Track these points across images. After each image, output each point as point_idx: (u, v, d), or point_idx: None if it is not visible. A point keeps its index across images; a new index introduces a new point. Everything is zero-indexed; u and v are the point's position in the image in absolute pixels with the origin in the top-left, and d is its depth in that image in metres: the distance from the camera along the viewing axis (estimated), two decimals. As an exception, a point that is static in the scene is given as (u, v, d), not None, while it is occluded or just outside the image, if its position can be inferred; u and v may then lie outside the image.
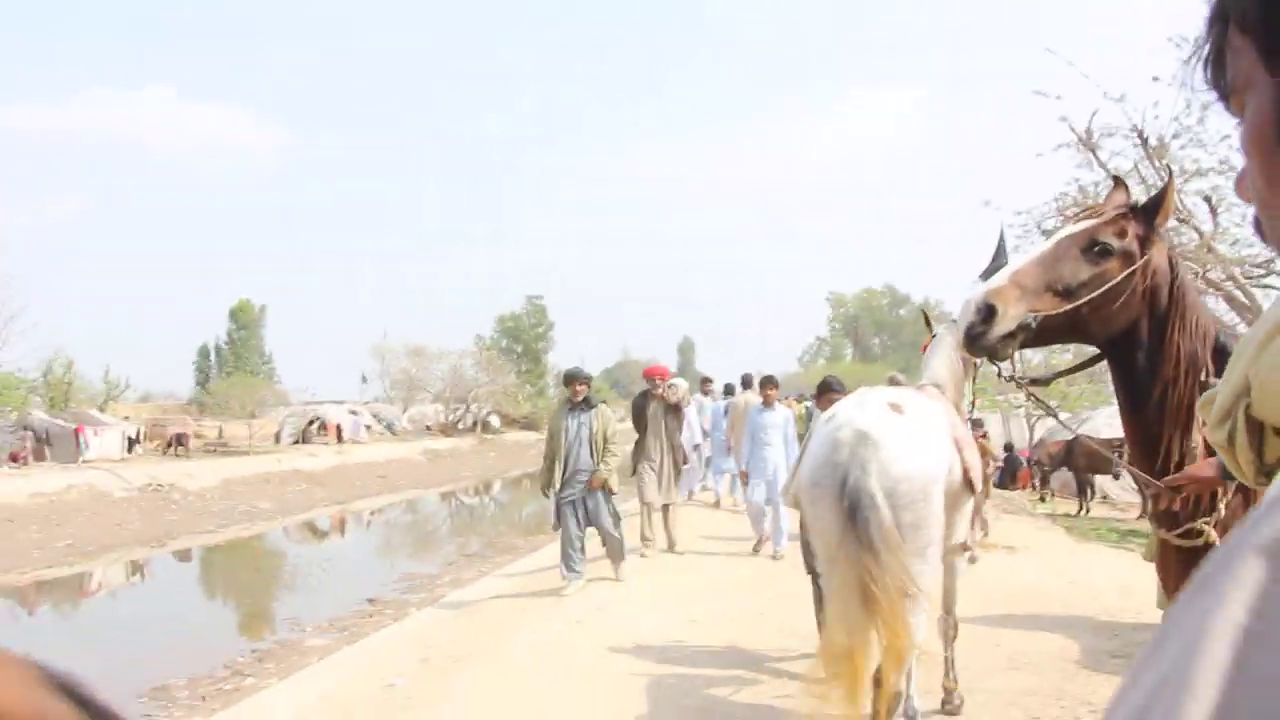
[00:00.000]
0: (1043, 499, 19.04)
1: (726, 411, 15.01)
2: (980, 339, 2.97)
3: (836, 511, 4.45)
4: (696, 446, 16.24)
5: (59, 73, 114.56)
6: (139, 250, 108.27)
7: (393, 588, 14.52)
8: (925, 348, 6.07)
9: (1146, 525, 13.74)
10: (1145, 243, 3.13)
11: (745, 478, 11.65)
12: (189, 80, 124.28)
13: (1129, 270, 3.04)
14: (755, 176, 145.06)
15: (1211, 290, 13.41)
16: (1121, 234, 3.07)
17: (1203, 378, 2.93)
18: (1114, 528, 14.91)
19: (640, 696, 6.33)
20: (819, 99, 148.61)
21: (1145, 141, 13.46)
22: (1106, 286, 3.04)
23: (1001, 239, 19.49)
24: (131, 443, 31.46)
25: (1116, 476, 16.42)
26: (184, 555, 20.04)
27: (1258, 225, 0.92)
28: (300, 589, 15.98)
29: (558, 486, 9.80)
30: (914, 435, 4.72)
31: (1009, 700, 5.98)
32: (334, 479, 31.06)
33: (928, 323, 6.40)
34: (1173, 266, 3.17)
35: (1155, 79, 13.47)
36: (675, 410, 11.85)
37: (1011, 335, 3.00)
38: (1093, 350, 3.37)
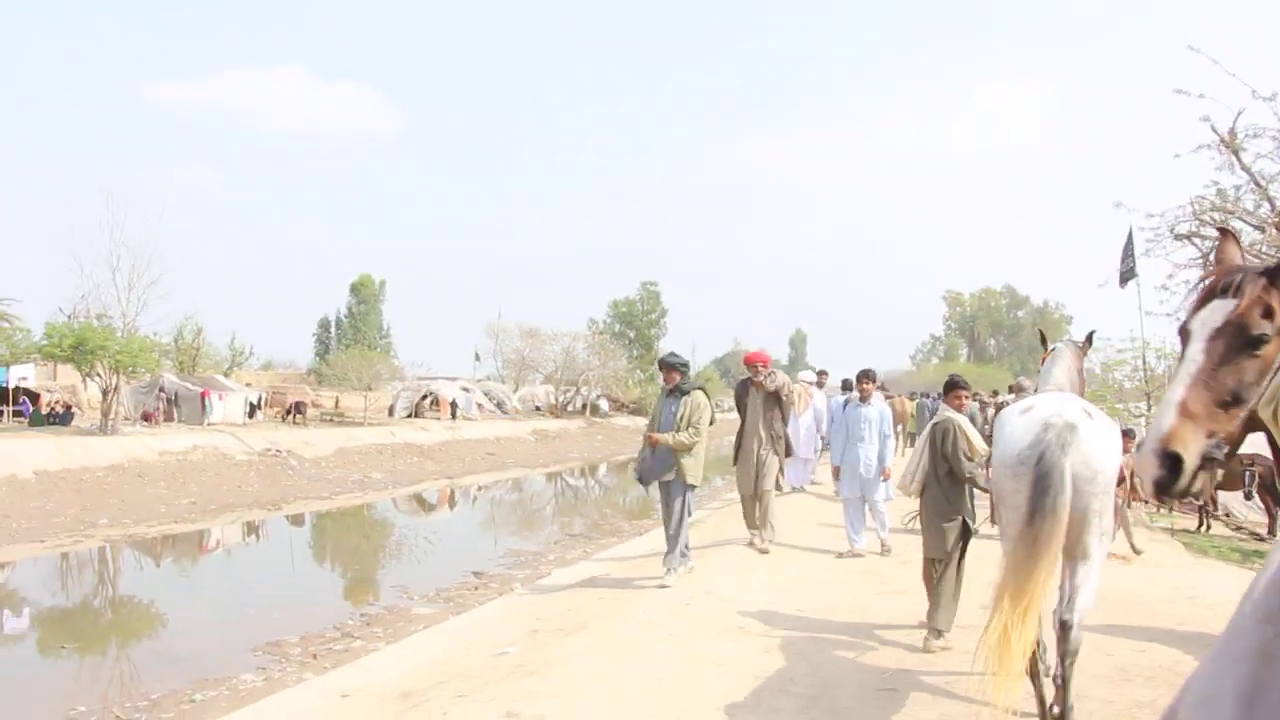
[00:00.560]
0: (1159, 511, 18.42)
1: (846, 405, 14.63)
2: (1170, 489, 2.73)
3: (1033, 489, 5.10)
4: (822, 437, 16.28)
5: (196, 51, 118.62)
6: (267, 224, 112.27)
7: (498, 563, 14.80)
8: (1044, 359, 6.46)
9: (1265, 546, 13.25)
10: None
11: (838, 473, 11.43)
12: (317, 59, 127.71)
13: None
14: (875, 172, 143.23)
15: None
16: (1270, 314, 2.85)
17: None
18: (1236, 547, 14.36)
19: (747, 681, 6.33)
20: (944, 95, 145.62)
21: (1294, 144, 12.92)
22: (1273, 374, 2.86)
23: (1130, 241, 18.82)
24: (253, 408, 32.56)
25: (1248, 496, 15.77)
26: (298, 519, 20.74)
27: None
28: (407, 559, 16.39)
29: (640, 470, 9.65)
30: (1106, 435, 5.43)
31: (1119, 710, 5.82)
32: (444, 453, 31.70)
33: (1043, 341, 6.81)
34: None
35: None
36: (775, 398, 11.23)
37: (1201, 469, 2.77)
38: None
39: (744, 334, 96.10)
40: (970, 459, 7.48)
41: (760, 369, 11.25)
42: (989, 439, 7.37)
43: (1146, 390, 23.69)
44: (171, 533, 17.97)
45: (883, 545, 11.23)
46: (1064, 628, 5.24)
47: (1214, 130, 13.52)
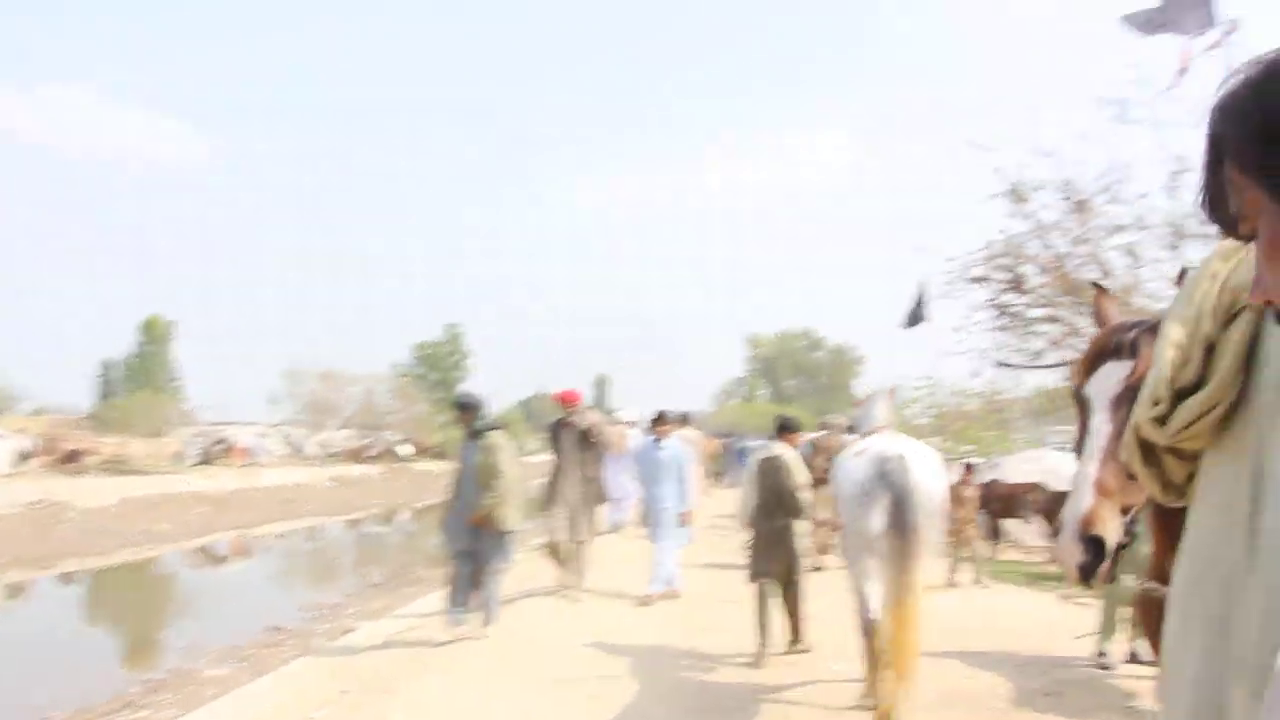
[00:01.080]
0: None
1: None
2: (1094, 573, 2.64)
3: (889, 515, 5.88)
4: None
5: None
6: (45, 258, 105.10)
7: (297, 616, 13.96)
8: (858, 404, 7.49)
9: (1054, 569, 13.88)
10: None
11: (641, 517, 11.32)
12: (109, 83, 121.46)
13: None
14: (675, 216, 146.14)
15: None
16: None
17: None
18: (1024, 570, 15.05)
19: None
20: (741, 142, 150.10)
21: (1074, 197, 13.71)
22: None
23: (921, 287, 19.64)
24: (24, 457, 30.24)
25: (1028, 521, 16.53)
26: (72, 577, 19.13)
27: (1277, 316, 1.31)
28: (198, 616, 15.34)
29: (449, 519, 9.03)
30: (932, 464, 6.38)
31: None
32: (237, 502, 30.16)
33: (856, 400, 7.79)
34: None
35: (1082, 137, 13.78)
36: (587, 439, 10.83)
37: (1122, 547, 2.70)
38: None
39: (548, 376, 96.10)
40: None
41: (570, 409, 10.97)
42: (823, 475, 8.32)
43: (940, 426, 24.67)
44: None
45: (670, 588, 10.86)
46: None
47: (1003, 182, 14.24)
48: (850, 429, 15.89)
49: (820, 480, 10.03)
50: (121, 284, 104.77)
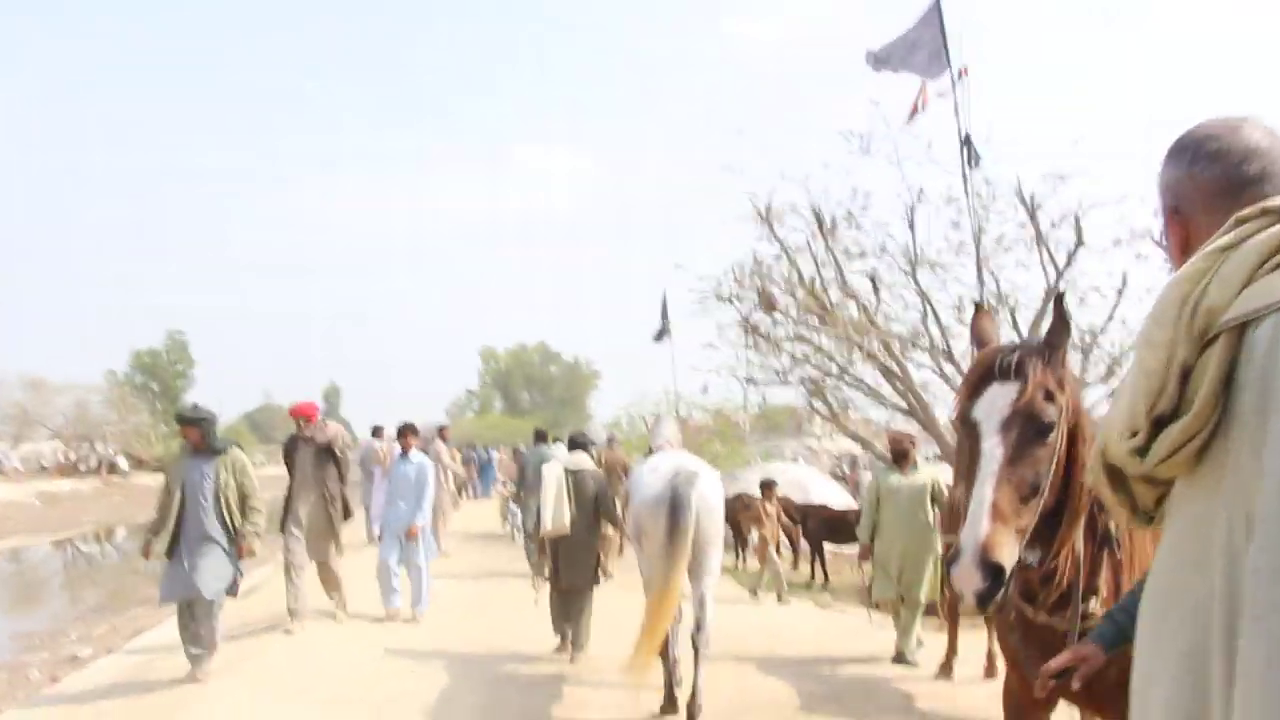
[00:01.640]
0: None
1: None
2: (993, 600, 2.63)
3: (669, 518, 6.55)
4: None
5: None
6: None
7: (6, 648, 12.73)
8: (650, 425, 7.70)
9: (795, 577, 14.53)
10: (1061, 385, 2.89)
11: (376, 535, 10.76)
12: None
13: (1063, 427, 2.84)
14: (408, 227, 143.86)
15: (870, 361, 14.42)
16: (1051, 396, 2.83)
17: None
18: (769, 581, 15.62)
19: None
20: (479, 154, 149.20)
21: (821, 222, 14.36)
22: (1057, 457, 2.82)
23: (664, 303, 20.26)
24: None
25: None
26: None
27: None
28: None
29: (162, 549, 7.79)
30: (716, 481, 7.25)
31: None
32: (-76, 523, 27.31)
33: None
34: (1071, 386, 2.99)
35: (825, 166, 14.56)
36: (329, 453, 10.17)
37: (1019, 570, 2.73)
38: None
39: (277, 388, 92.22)
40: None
41: (307, 423, 10.28)
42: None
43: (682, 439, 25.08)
44: None
45: (415, 615, 10.55)
46: (698, 625, 6.84)
47: (753, 204, 14.80)
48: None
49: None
50: None
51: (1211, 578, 1.42)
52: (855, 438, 17.68)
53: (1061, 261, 14.06)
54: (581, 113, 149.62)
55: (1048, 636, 3.02)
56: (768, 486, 14.30)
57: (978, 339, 3.19)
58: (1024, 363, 2.82)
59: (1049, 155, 13.92)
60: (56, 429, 45.49)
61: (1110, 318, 14.31)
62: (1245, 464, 1.40)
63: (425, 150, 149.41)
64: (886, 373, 14.80)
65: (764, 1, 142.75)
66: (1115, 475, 1.63)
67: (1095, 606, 2.83)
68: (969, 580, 2.60)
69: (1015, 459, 2.72)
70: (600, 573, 8.88)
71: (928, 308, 15.04)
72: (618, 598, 9.89)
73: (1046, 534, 2.93)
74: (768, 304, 15.01)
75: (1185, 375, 1.49)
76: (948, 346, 14.95)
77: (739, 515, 15.13)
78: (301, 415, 10.37)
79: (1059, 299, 3.11)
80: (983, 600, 2.62)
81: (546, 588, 8.94)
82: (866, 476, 30.00)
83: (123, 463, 45.50)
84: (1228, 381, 1.45)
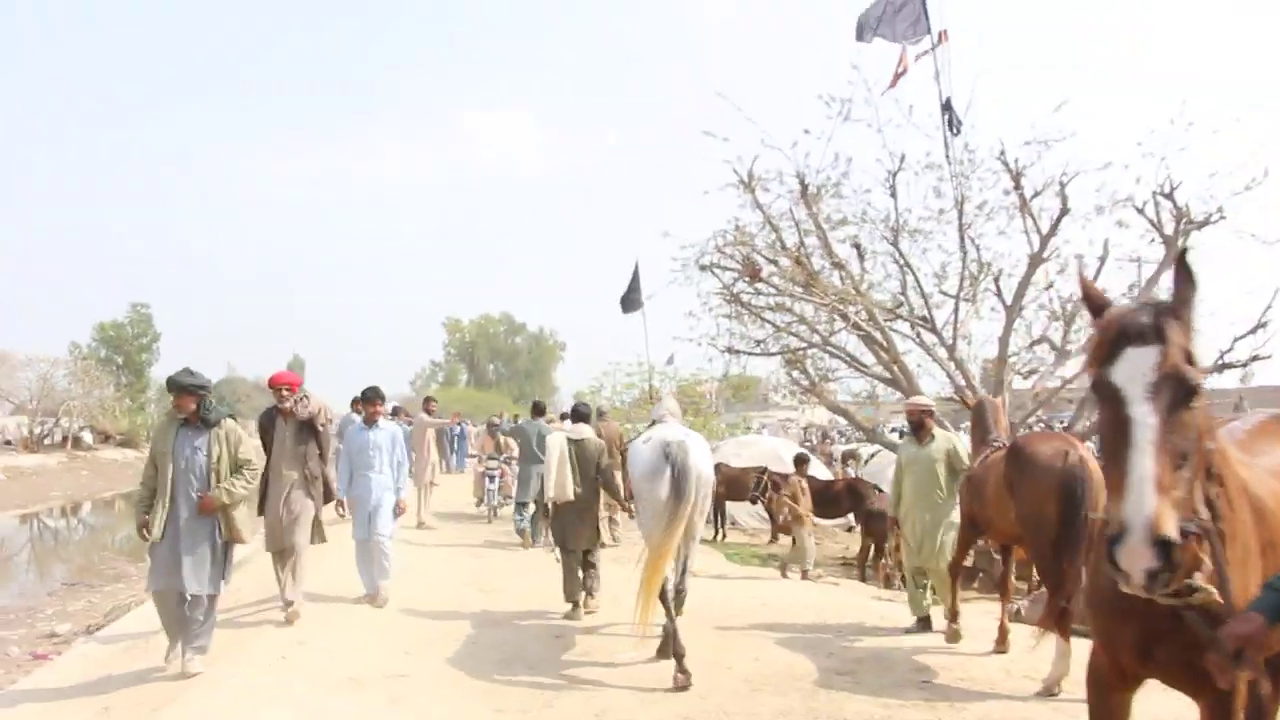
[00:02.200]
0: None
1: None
2: (1163, 577, 2.47)
3: (670, 486, 7.16)
4: None
5: None
6: None
7: (-21, 624, 12.49)
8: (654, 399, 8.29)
9: (779, 550, 14.51)
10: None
11: (344, 508, 9.98)
12: None
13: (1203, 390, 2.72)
14: (370, 195, 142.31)
15: (855, 331, 14.36)
16: (1191, 359, 2.71)
17: None
18: (755, 552, 15.59)
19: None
20: (435, 122, 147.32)
21: (806, 188, 14.22)
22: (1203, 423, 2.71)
23: (635, 272, 20.13)
24: None
25: (754, 502, 17.11)
26: None
27: None
28: None
29: (158, 529, 7.08)
30: (705, 449, 7.86)
31: (766, 722, 6.06)
32: (-116, 499, 26.79)
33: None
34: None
35: (806, 132, 14.37)
36: (310, 429, 9.26)
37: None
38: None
39: (239, 359, 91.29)
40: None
41: (288, 393, 9.23)
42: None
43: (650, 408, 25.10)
44: None
45: (378, 593, 9.79)
46: (677, 591, 7.53)
47: (735, 172, 14.65)
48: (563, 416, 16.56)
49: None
50: None
51: None
52: (836, 409, 17.65)
53: (1045, 228, 14.05)
54: (541, 80, 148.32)
55: (1149, 614, 2.85)
56: (801, 462, 14.16)
57: (1093, 300, 3.01)
58: (1160, 324, 2.71)
59: (1033, 120, 13.79)
60: (20, 403, 44.81)
61: (1093, 286, 14.32)
62: None
63: (383, 119, 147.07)
64: (869, 341, 14.75)
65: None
66: None
67: (1200, 581, 2.68)
68: (1140, 559, 2.45)
69: (1167, 426, 2.59)
70: (595, 538, 9.59)
71: (909, 276, 15.02)
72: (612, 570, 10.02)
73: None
74: (752, 272, 14.88)
75: None
76: (929, 315, 14.93)
77: (771, 493, 14.88)
78: (284, 384, 9.29)
79: (1182, 256, 2.96)
80: (1154, 580, 2.47)
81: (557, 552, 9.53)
82: (837, 449, 30.18)
83: (88, 437, 44.89)
84: None
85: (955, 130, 14.14)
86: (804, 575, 12.06)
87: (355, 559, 10.11)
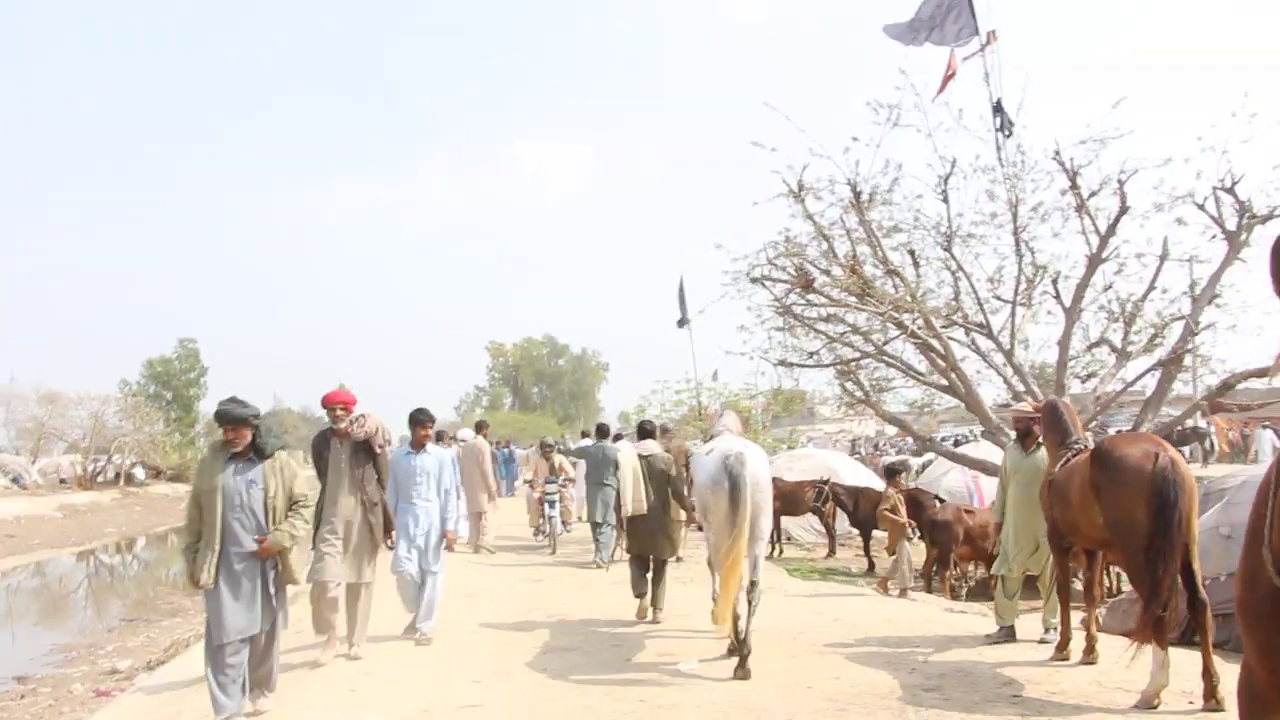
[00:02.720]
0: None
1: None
2: None
3: (729, 497, 7.62)
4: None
5: None
6: None
7: (44, 662, 12.51)
8: (710, 417, 9.86)
9: (835, 564, 14.23)
10: None
11: (390, 538, 8.98)
12: None
13: None
14: (410, 227, 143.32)
15: (912, 340, 14.08)
16: None
17: None
18: (814, 567, 15.36)
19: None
20: (480, 152, 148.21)
21: (858, 196, 13.97)
22: None
23: (681, 289, 20.12)
24: None
25: (817, 514, 16.93)
26: None
27: None
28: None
29: (209, 575, 6.47)
30: (763, 460, 8.29)
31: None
32: (-50, 539, 27.04)
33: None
34: None
35: (855, 139, 14.14)
36: (367, 451, 8.61)
37: None
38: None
39: (285, 390, 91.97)
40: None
41: (343, 412, 8.61)
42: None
43: (701, 426, 25.05)
44: None
45: (419, 637, 9.05)
46: (753, 584, 7.88)
47: (785, 182, 14.42)
48: (618, 436, 16.53)
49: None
50: None
51: None
52: (891, 419, 17.33)
53: (1103, 228, 13.73)
54: (578, 105, 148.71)
55: None
56: (895, 474, 13.90)
57: None
58: None
59: (1088, 119, 13.43)
60: (73, 442, 45.28)
61: (1151, 286, 14.00)
62: None
63: (425, 151, 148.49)
64: (926, 349, 14.47)
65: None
66: None
67: None
68: None
69: None
70: (666, 548, 10.38)
71: (963, 281, 14.75)
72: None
73: None
74: (805, 283, 14.64)
75: None
76: (985, 321, 14.64)
77: (875, 513, 14.28)
78: (338, 403, 8.69)
79: None
80: None
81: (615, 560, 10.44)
82: (885, 459, 29.93)
83: (140, 473, 45.33)
84: None
85: (1007, 132, 13.88)
86: (903, 593, 11.68)
87: (398, 591, 9.47)
